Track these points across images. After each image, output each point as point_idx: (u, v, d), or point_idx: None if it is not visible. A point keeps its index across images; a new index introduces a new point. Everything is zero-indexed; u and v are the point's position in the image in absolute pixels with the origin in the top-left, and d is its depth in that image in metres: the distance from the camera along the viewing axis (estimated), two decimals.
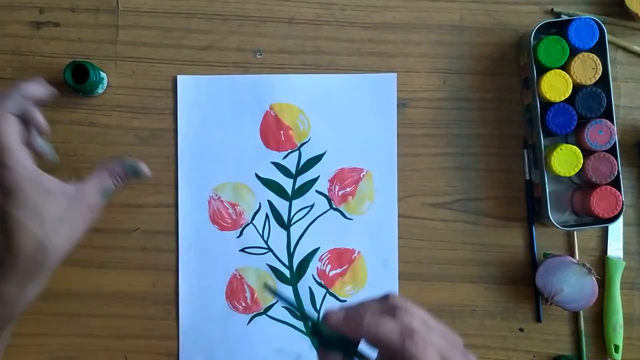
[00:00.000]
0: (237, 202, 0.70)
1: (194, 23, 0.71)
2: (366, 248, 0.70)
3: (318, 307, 0.70)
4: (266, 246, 0.70)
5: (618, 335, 0.69)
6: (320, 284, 0.70)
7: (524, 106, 0.70)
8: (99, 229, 0.70)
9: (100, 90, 0.69)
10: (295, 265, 0.70)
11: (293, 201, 0.71)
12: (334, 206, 0.70)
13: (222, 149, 0.70)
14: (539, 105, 0.66)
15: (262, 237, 0.70)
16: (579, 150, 0.65)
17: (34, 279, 0.51)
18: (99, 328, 0.70)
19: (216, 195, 0.70)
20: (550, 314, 0.70)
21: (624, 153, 0.69)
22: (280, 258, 0.70)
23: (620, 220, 0.67)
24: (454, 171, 0.71)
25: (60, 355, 0.70)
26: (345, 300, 0.70)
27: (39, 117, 0.56)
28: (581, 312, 0.70)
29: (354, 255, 0.70)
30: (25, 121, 0.55)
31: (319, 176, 0.71)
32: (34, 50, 0.70)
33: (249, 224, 0.70)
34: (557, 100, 0.65)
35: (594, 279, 0.66)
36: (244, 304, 0.70)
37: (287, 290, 0.70)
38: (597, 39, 0.65)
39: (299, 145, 0.71)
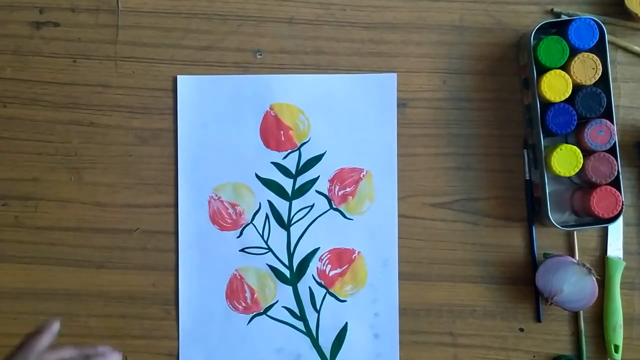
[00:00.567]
0: (237, 202, 0.70)
1: (194, 23, 0.71)
2: (366, 248, 0.70)
3: (318, 307, 0.70)
4: (266, 246, 0.70)
5: (618, 335, 0.69)
6: (320, 284, 0.70)
7: (524, 106, 0.70)
8: (99, 229, 0.71)
9: None
10: (295, 265, 0.70)
11: (293, 201, 0.71)
12: (334, 206, 0.70)
13: (222, 149, 0.70)
14: (539, 105, 0.66)
15: (262, 237, 0.70)
16: (579, 150, 0.65)
17: None
18: (98, 328, 0.70)
19: (216, 195, 0.70)
20: (550, 314, 0.70)
21: (624, 153, 0.69)
22: (280, 258, 0.70)
23: (620, 220, 0.67)
24: (454, 171, 0.71)
25: None
26: (345, 301, 0.70)
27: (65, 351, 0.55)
28: (581, 312, 0.70)
29: (354, 255, 0.70)
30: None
31: (319, 176, 0.71)
32: (34, 50, 0.70)
33: (249, 224, 0.70)
34: (557, 100, 0.65)
35: (594, 279, 0.66)
36: (244, 304, 0.70)
37: (287, 290, 0.71)
38: (597, 39, 0.65)
39: (299, 145, 0.71)
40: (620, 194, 0.66)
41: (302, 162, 0.71)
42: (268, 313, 0.70)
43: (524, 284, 0.70)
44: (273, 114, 0.71)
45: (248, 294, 0.70)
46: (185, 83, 0.70)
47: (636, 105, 0.70)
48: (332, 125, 0.71)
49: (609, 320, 0.69)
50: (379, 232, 0.70)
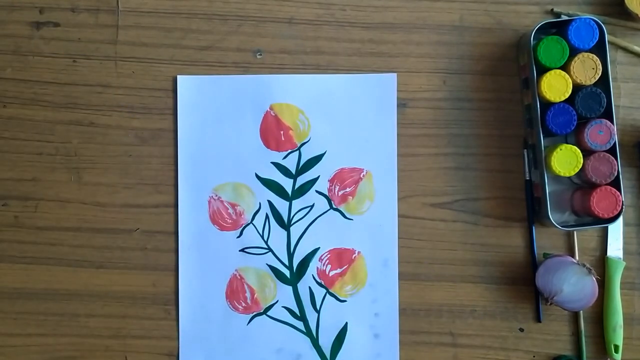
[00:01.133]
0: (237, 202, 0.70)
1: (194, 23, 0.71)
2: (366, 248, 0.70)
3: (318, 307, 0.70)
4: (266, 246, 0.70)
5: (618, 335, 0.69)
6: (320, 284, 0.70)
7: (524, 106, 0.70)
8: (99, 229, 0.71)
9: None
10: (295, 265, 0.70)
11: (293, 201, 0.71)
12: (334, 206, 0.70)
13: (222, 149, 0.70)
14: (539, 106, 0.66)
15: (262, 237, 0.70)
16: (579, 150, 0.65)
17: None
18: (98, 328, 0.70)
19: (216, 195, 0.70)
20: (550, 314, 0.70)
21: (624, 153, 0.69)
22: (280, 258, 0.70)
23: (620, 220, 0.67)
24: (454, 171, 0.71)
25: (60, 355, 0.70)
26: (345, 301, 0.70)
27: None
28: (581, 312, 0.70)
29: (354, 255, 0.70)
30: None
31: (319, 176, 0.71)
32: (34, 50, 0.70)
33: (249, 224, 0.70)
34: (557, 100, 0.65)
35: (594, 279, 0.66)
36: (244, 304, 0.70)
37: (287, 290, 0.71)
38: (597, 39, 0.65)
39: (299, 145, 0.71)
40: (620, 194, 0.66)
41: (302, 162, 0.71)
42: (268, 313, 0.70)
43: (524, 284, 0.70)
44: (273, 114, 0.71)
45: (248, 294, 0.70)
46: (185, 83, 0.70)
47: (636, 105, 0.70)
48: (332, 125, 0.71)
49: (609, 320, 0.69)
50: (379, 232, 0.70)
